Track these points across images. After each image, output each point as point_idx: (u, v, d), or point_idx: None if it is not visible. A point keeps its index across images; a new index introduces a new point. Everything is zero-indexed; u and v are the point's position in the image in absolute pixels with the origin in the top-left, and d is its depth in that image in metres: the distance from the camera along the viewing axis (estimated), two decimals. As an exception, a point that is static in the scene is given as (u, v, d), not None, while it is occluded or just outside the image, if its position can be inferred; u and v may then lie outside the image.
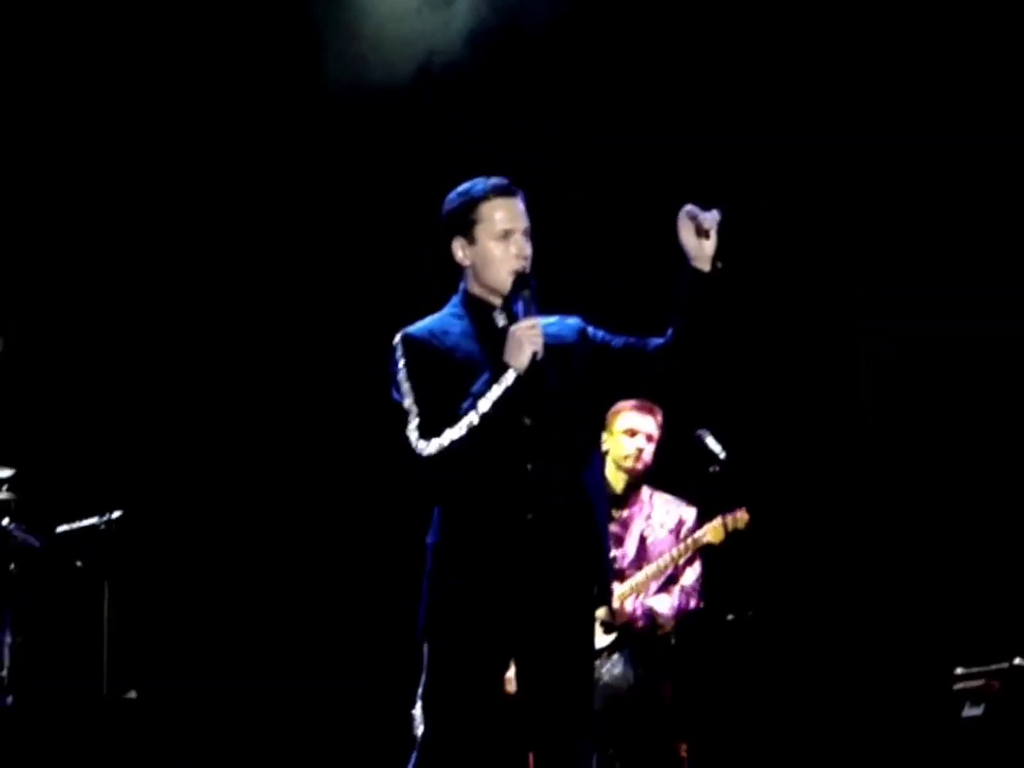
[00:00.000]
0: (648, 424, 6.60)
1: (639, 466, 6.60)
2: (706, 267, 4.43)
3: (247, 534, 7.82)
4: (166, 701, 7.49)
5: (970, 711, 6.61)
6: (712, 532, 6.50)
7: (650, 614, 6.51)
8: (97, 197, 7.83)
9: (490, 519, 4.44)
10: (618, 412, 6.58)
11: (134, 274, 7.88)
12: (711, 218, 4.41)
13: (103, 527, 6.87)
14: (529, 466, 4.45)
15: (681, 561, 6.55)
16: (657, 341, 4.53)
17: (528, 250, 4.56)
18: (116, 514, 6.94)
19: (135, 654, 7.03)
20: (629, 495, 6.64)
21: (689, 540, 6.54)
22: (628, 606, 6.47)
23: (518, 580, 4.43)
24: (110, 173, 7.83)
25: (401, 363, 4.51)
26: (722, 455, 6.42)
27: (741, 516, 6.49)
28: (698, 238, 4.42)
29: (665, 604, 6.54)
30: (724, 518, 6.47)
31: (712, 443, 6.48)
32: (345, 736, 7.68)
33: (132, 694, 6.94)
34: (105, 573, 6.83)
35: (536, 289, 4.51)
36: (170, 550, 7.74)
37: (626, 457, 6.57)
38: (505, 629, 4.44)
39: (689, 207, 4.42)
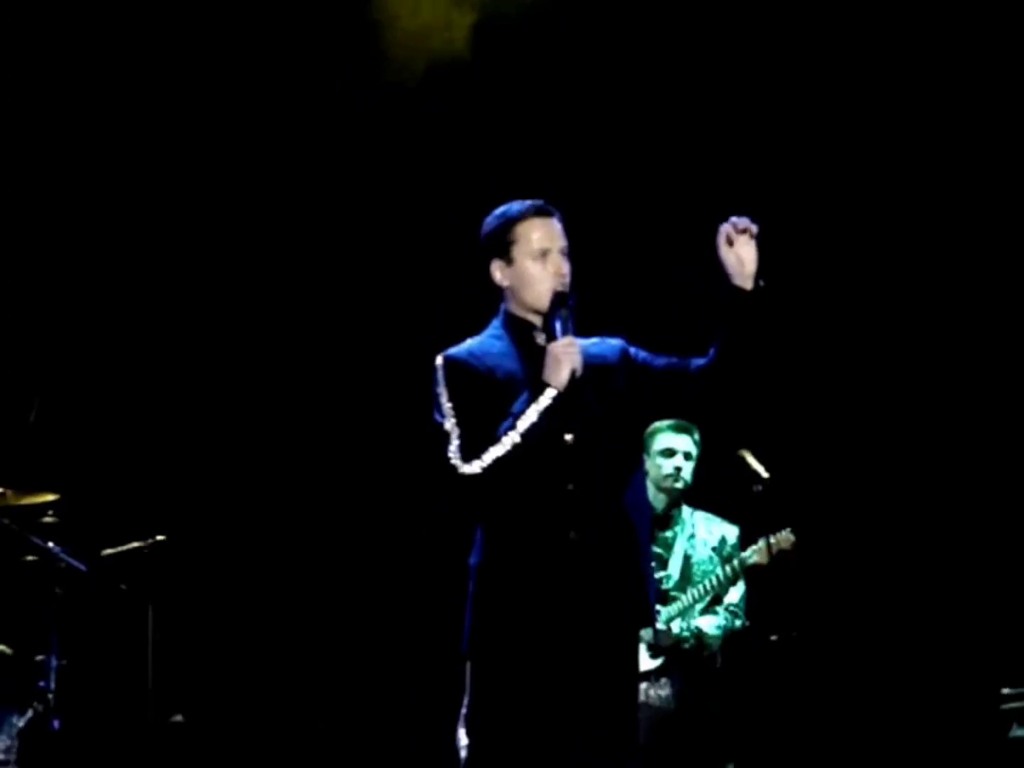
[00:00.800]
0: (685, 443, 6.60)
1: (678, 485, 6.60)
2: (748, 285, 4.43)
3: (290, 556, 7.82)
4: (211, 723, 7.49)
5: (1018, 731, 6.59)
6: (758, 554, 6.48)
7: (697, 635, 6.49)
8: (126, 217, 7.84)
9: (533, 539, 4.43)
10: (655, 432, 6.59)
11: (179, 301, 7.89)
12: (747, 227, 4.40)
13: (147, 550, 6.92)
14: (571, 486, 4.45)
15: (727, 583, 6.53)
16: (699, 361, 4.52)
17: (566, 268, 4.56)
18: (160, 537, 6.98)
19: (180, 677, 7.04)
20: (671, 515, 6.64)
21: (735, 562, 6.52)
22: (675, 628, 6.46)
23: (562, 600, 4.41)
24: (144, 200, 7.85)
25: (442, 385, 4.52)
26: (765, 474, 6.42)
27: (786, 537, 6.47)
28: (738, 255, 4.42)
29: (712, 625, 6.53)
30: (769, 539, 6.45)
31: (754, 462, 6.48)
32: (391, 756, 7.67)
33: (178, 718, 6.97)
34: (149, 596, 6.87)
35: (575, 308, 4.52)
36: (213, 573, 7.75)
37: (665, 477, 6.56)
38: (550, 649, 4.42)
39: (727, 226, 4.42)
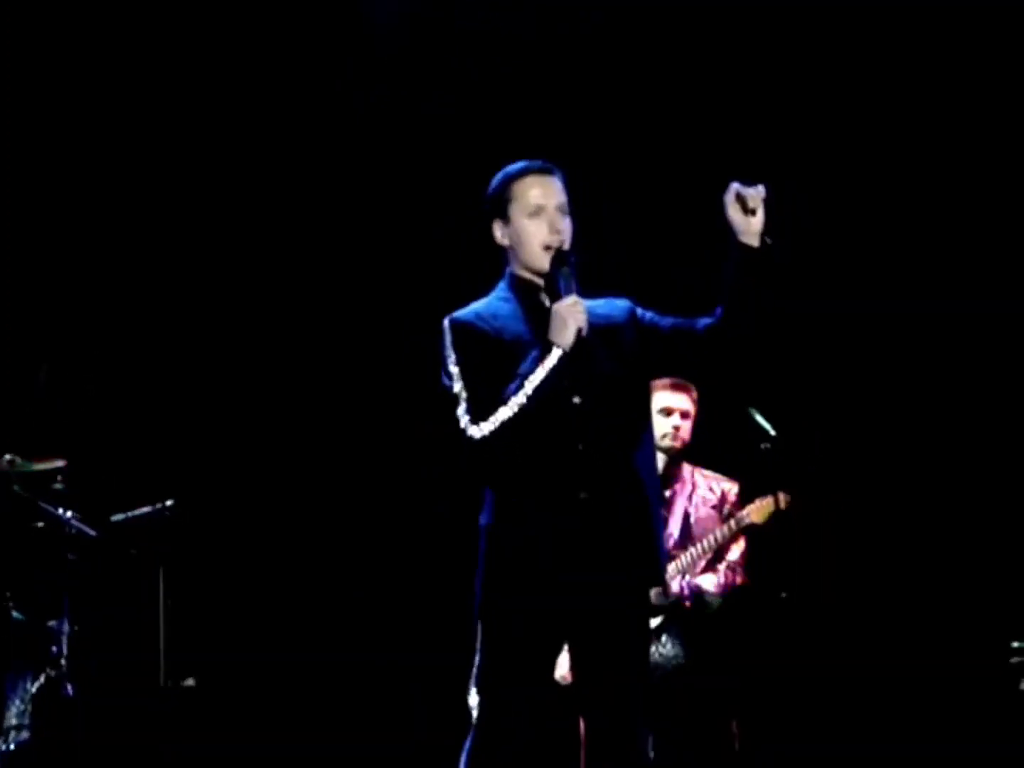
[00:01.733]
0: (683, 401, 6.59)
1: (677, 444, 6.59)
2: (755, 243, 4.41)
3: (299, 517, 7.83)
4: (223, 687, 7.52)
5: (1027, 684, 6.62)
6: (755, 513, 6.48)
7: (698, 592, 6.51)
8: (134, 201, 7.86)
9: (543, 499, 4.44)
10: (652, 391, 6.57)
11: (184, 265, 7.90)
12: (757, 194, 4.40)
13: (157, 515, 6.93)
14: (580, 446, 4.45)
15: (725, 541, 6.54)
16: (706, 321, 4.51)
17: (561, 225, 4.55)
18: (169, 502, 6.99)
19: (192, 641, 7.06)
20: (670, 474, 6.63)
21: (732, 521, 6.52)
22: (675, 586, 6.47)
23: (572, 559, 4.42)
24: (145, 182, 7.86)
25: (449, 347, 4.52)
26: (772, 432, 6.42)
27: (783, 497, 6.46)
28: (745, 215, 4.41)
29: (711, 583, 6.54)
30: (767, 499, 6.46)
31: (761, 420, 6.48)
32: (402, 714, 7.70)
33: (190, 682, 6.99)
34: (160, 561, 6.88)
35: (575, 265, 4.50)
36: (224, 536, 7.76)
37: (664, 436, 6.54)
38: (560, 609, 4.44)
39: (736, 184, 4.41)
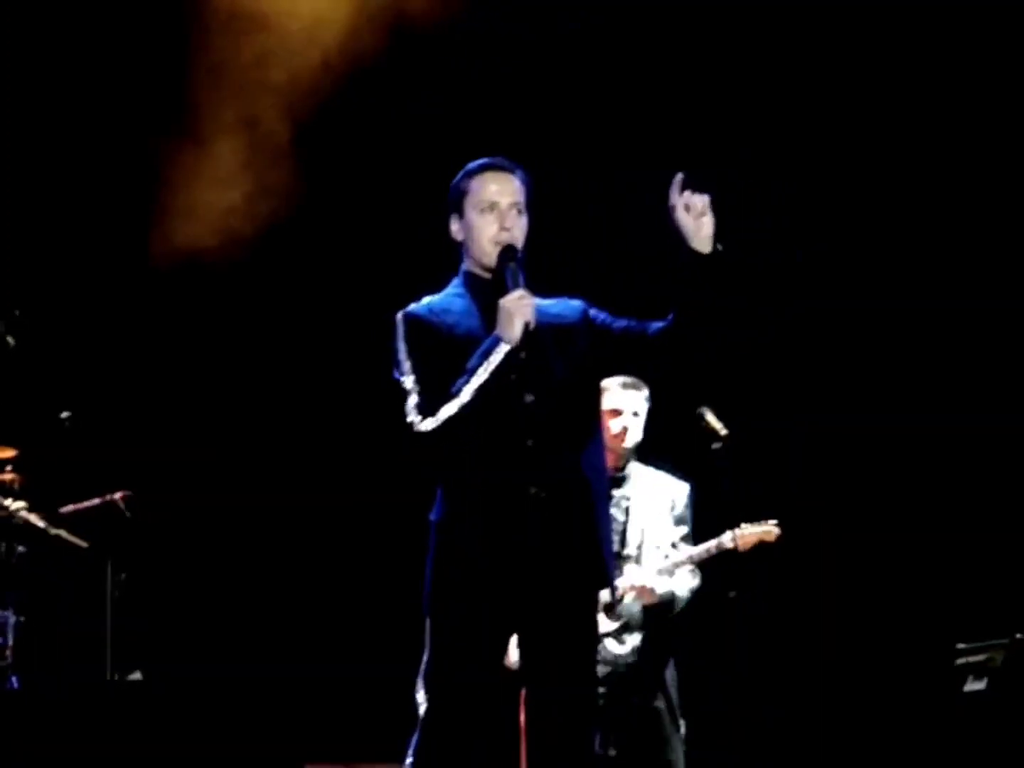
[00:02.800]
0: (632, 401, 6.57)
1: (627, 444, 6.57)
2: (705, 248, 4.42)
3: (251, 513, 7.80)
4: (171, 683, 7.48)
5: (972, 685, 6.66)
6: (742, 541, 6.46)
7: (670, 599, 6.49)
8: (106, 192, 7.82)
9: (492, 495, 4.44)
10: (602, 391, 6.57)
11: (140, 259, 7.85)
12: (701, 201, 4.40)
13: (107, 507, 6.91)
14: (530, 442, 4.46)
15: (701, 559, 6.51)
16: (658, 325, 4.52)
17: (510, 223, 4.55)
18: (119, 494, 6.97)
19: (140, 635, 7.04)
20: (622, 474, 6.63)
21: (712, 545, 6.48)
22: (659, 589, 6.45)
23: (520, 556, 4.43)
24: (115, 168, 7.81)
25: (401, 341, 4.53)
26: (723, 432, 6.43)
27: (770, 530, 6.46)
28: (694, 219, 4.42)
29: (684, 587, 6.52)
30: (758, 529, 6.45)
31: (713, 420, 6.49)
32: (351, 717, 7.69)
33: (136, 675, 6.97)
34: (109, 552, 6.86)
35: (523, 263, 4.50)
36: (173, 530, 7.73)
37: (614, 436, 6.53)
38: (507, 605, 4.44)
39: (677, 179, 4.41)
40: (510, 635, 4.52)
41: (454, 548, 4.47)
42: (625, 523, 6.56)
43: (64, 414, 7.08)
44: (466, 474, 4.47)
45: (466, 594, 4.45)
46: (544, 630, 4.46)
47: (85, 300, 7.81)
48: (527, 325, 4.41)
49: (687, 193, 4.39)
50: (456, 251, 4.67)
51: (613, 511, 6.46)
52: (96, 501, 6.96)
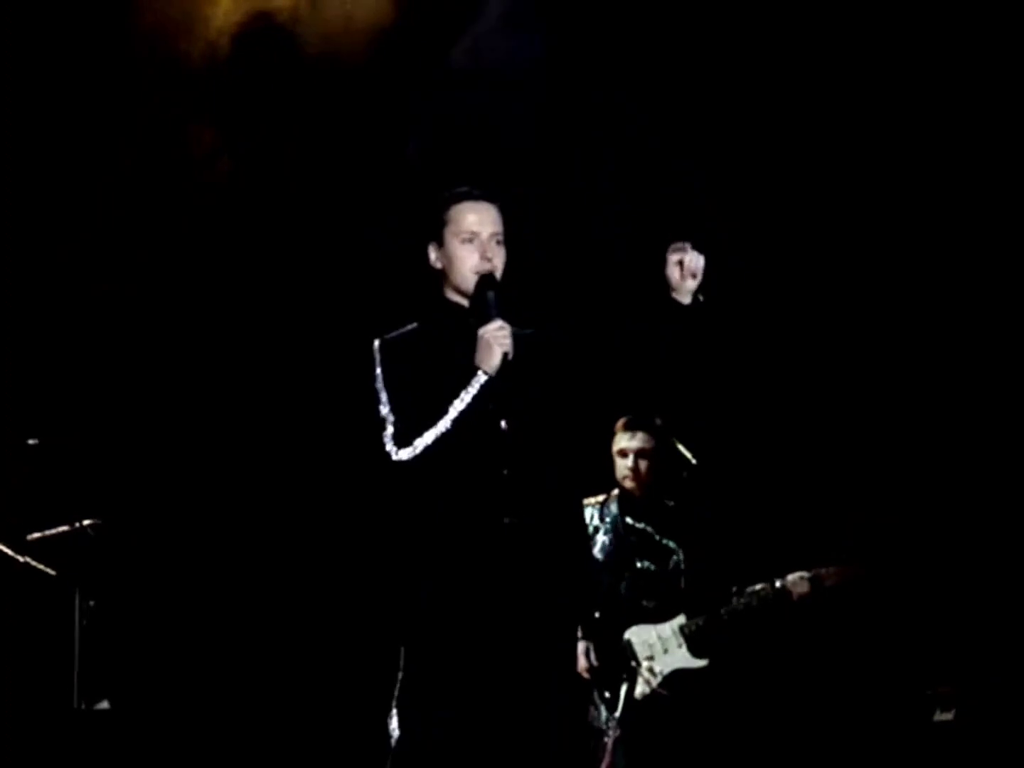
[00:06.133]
0: (636, 441, 6.67)
1: (636, 484, 6.66)
2: (685, 300, 4.49)
3: (220, 542, 7.77)
4: (139, 713, 7.45)
5: (941, 716, 6.71)
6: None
7: None
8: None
9: (467, 523, 4.44)
10: (613, 433, 6.70)
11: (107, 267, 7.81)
12: (695, 265, 4.45)
13: (75, 535, 6.86)
14: (505, 471, 4.46)
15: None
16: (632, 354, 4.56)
17: (491, 253, 4.56)
18: (88, 521, 6.93)
19: (108, 664, 6.99)
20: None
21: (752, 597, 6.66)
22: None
23: (495, 584, 4.42)
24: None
25: (378, 370, 4.54)
26: (693, 460, 6.51)
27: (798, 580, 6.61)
28: (682, 278, 4.47)
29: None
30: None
31: (682, 449, 6.57)
32: (323, 742, 7.66)
33: (104, 704, 6.92)
34: (77, 581, 6.81)
35: (499, 293, 4.52)
36: (141, 558, 7.69)
37: (624, 478, 6.65)
38: (482, 633, 4.43)
39: (679, 244, 4.47)
40: (488, 666, 4.49)
41: (429, 576, 4.46)
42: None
43: (31, 441, 7.03)
44: (442, 503, 4.47)
45: (441, 622, 4.44)
46: (520, 661, 4.43)
47: (54, 327, 7.76)
48: (505, 355, 4.43)
49: (685, 253, 4.46)
50: (433, 278, 4.66)
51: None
52: (64, 528, 6.91)
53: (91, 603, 6.89)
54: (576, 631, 4.61)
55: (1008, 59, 7.24)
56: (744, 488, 7.36)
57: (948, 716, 6.70)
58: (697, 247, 4.50)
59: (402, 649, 4.50)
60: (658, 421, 6.73)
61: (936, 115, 7.34)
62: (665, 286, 4.50)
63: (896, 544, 7.18)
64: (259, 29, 7.66)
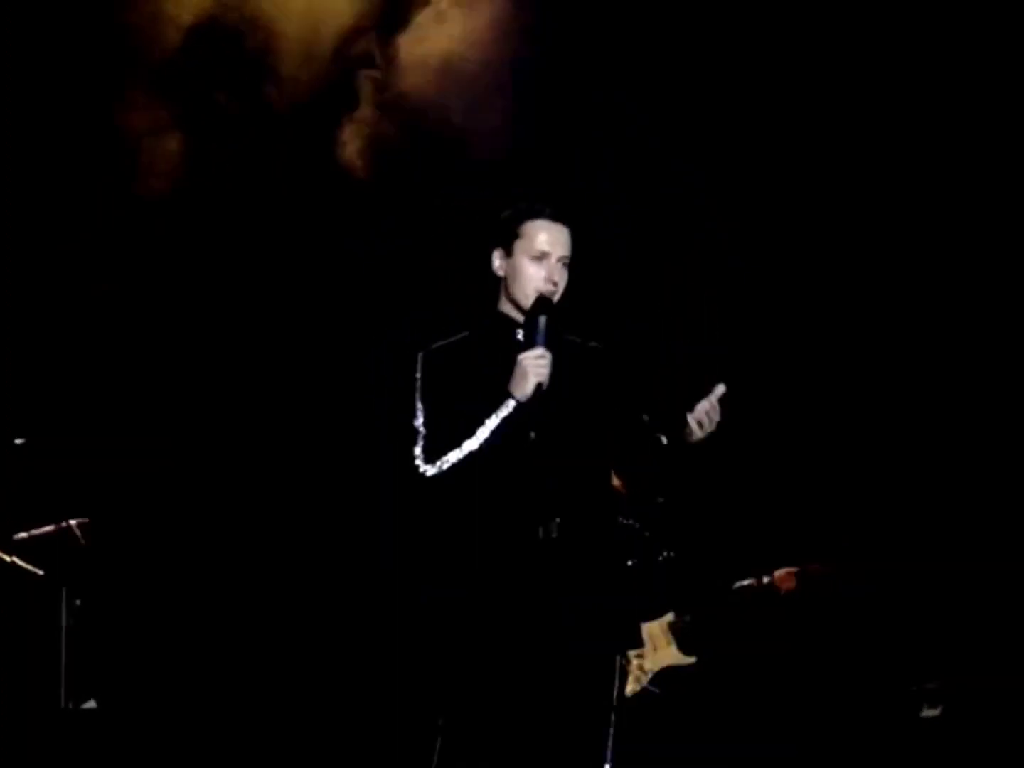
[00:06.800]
0: None
1: (623, 481, 6.67)
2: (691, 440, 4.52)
3: (208, 540, 7.72)
4: (126, 712, 7.41)
5: (927, 711, 6.77)
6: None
7: None
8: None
9: (498, 535, 4.44)
10: None
11: (92, 272, 7.73)
12: (712, 420, 4.47)
13: (63, 534, 6.82)
14: (537, 482, 4.45)
15: None
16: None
17: (557, 277, 4.56)
18: (74, 521, 6.88)
19: (95, 663, 6.95)
20: None
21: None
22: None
23: (528, 597, 4.41)
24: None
25: (418, 382, 4.55)
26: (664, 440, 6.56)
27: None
28: (695, 423, 4.48)
29: None
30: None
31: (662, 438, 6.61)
32: (311, 743, 7.64)
33: (91, 704, 6.89)
34: (64, 580, 6.77)
35: (552, 318, 4.51)
36: (128, 558, 7.63)
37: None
38: (517, 646, 4.41)
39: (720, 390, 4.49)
40: (521, 672, 4.44)
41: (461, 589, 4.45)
42: None
43: (18, 440, 6.97)
44: (471, 516, 4.46)
45: (475, 634, 4.42)
46: (553, 700, 4.40)
47: (40, 326, 7.68)
48: (539, 385, 4.42)
49: (714, 403, 4.46)
50: (489, 282, 4.66)
51: None
52: (51, 528, 6.86)
53: (78, 602, 6.87)
54: (613, 660, 4.53)
55: (1008, 59, 7.29)
56: (732, 483, 7.39)
57: (935, 712, 6.76)
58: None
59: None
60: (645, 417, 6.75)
61: (936, 114, 7.37)
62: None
63: (883, 539, 7.24)
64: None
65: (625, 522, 6.73)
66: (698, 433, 4.47)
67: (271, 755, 7.52)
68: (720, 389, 4.45)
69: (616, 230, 7.15)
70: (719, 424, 4.48)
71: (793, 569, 6.74)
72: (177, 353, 7.71)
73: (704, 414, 4.43)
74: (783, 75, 7.45)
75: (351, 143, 7.39)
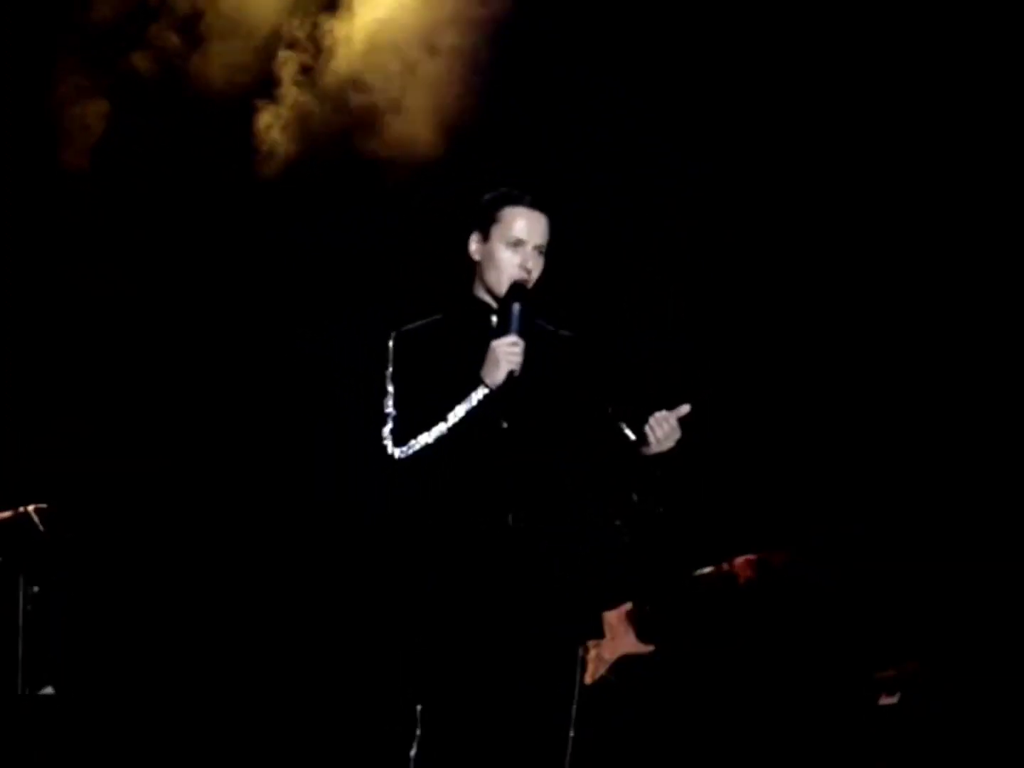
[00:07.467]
0: None
1: None
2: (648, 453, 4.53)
3: (168, 526, 7.69)
4: (84, 699, 7.37)
5: (886, 700, 6.81)
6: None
7: None
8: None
9: (468, 522, 4.44)
10: None
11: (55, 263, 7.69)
12: (672, 438, 4.48)
13: (20, 520, 6.78)
14: (506, 470, 4.46)
15: None
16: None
17: (532, 264, 4.57)
18: (32, 507, 6.84)
19: (52, 650, 6.91)
20: None
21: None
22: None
23: (497, 585, 4.42)
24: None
25: (390, 364, 4.55)
26: (633, 437, 6.57)
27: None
28: (653, 435, 4.48)
29: None
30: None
31: (626, 429, 6.62)
32: (272, 735, 7.62)
33: (48, 690, 6.85)
34: (21, 566, 6.73)
35: (527, 304, 4.51)
36: (91, 543, 7.59)
37: None
38: (484, 634, 4.42)
39: (684, 409, 4.47)
40: (488, 663, 4.44)
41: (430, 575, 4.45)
42: None
43: None
44: (441, 502, 4.46)
45: (444, 621, 4.41)
46: (516, 688, 4.41)
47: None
48: (511, 372, 4.42)
49: (673, 422, 4.46)
50: (467, 268, 4.65)
51: None
52: (8, 514, 6.81)
53: (35, 589, 6.83)
54: (576, 654, 4.54)
55: (1008, 59, 7.32)
56: (694, 472, 7.40)
57: (893, 700, 6.80)
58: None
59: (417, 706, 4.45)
60: (609, 409, 6.76)
61: (936, 114, 7.40)
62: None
63: (845, 531, 7.27)
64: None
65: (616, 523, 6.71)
66: (653, 442, 4.45)
67: (235, 742, 7.50)
68: (684, 409, 4.44)
69: (616, 230, 7.18)
70: (678, 444, 4.48)
71: (753, 557, 6.77)
72: (121, 334, 7.67)
73: (662, 421, 4.41)
74: (763, 57, 7.46)
75: (275, 122, 7.38)
